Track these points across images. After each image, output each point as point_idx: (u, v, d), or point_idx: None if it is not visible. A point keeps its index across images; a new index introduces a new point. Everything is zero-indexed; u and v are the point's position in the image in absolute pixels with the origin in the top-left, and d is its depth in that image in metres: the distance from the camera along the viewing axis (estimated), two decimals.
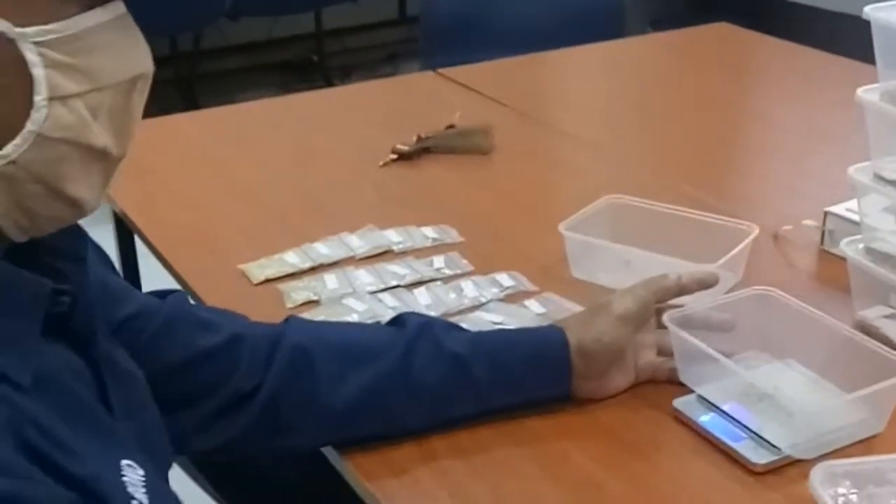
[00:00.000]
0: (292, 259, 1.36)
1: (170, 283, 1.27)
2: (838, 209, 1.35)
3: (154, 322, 0.98)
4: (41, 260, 0.73)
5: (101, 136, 0.69)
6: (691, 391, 1.07)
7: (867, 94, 1.15)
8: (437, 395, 1.02)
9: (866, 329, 1.15)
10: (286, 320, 1.07)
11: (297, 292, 1.28)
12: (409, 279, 1.31)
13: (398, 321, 1.08)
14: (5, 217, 0.68)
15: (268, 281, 1.32)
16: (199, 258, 1.38)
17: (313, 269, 1.34)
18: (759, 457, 0.98)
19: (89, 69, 0.66)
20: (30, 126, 0.65)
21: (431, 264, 1.34)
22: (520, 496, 0.97)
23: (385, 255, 1.38)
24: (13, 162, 0.65)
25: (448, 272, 1.33)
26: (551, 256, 1.34)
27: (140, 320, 0.96)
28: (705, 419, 1.04)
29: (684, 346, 1.07)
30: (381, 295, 1.28)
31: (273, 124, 1.87)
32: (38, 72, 0.64)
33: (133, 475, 0.70)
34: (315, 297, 1.27)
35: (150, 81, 0.72)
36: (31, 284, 0.69)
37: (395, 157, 1.66)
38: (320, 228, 1.43)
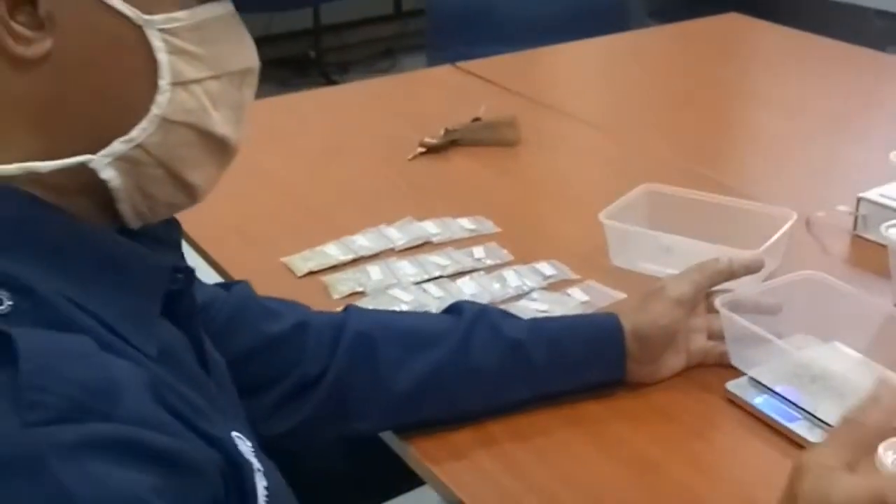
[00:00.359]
0: (333, 251, 1.38)
1: (215, 280, 1.28)
2: (871, 195, 1.38)
3: (223, 312, 1.00)
4: (146, 246, 0.75)
5: (220, 125, 0.73)
6: (743, 374, 1.09)
7: None
8: (496, 379, 1.05)
9: None
10: (346, 309, 1.09)
11: (342, 284, 1.30)
12: (451, 269, 1.33)
13: (454, 309, 1.10)
14: (126, 202, 0.71)
15: (311, 273, 1.33)
16: (240, 253, 1.40)
17: (355, 261, 1.36)
18: (815, 436, 1.00)
19: (208, 57, 0.70)
20: (155, 110, 0.69)
21: (472, 254, 1.36)
22: (582, 477, 0.99)
23: (424, 246, 1.40)
24: (139, 146, 0.69)
25: (489, 262, 1.35)
26: (588, 244, 1.35)
27: (210, 310, 0.99)
28: (759, 401, 1.06)
29: (736, 329, 1.09)
30: (425, 285, 1.29)
31: (298, 120, 1.88)
32: (163, 57, 0.68)
33: (243, 445, 0.72)
34: (360, 289, 1.29)
35: (257, 77, 0.76)
36: (154, 261, 0.73)
37: (423, 150, 1.67)
38: (357, 221, 1.45)
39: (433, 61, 2.75)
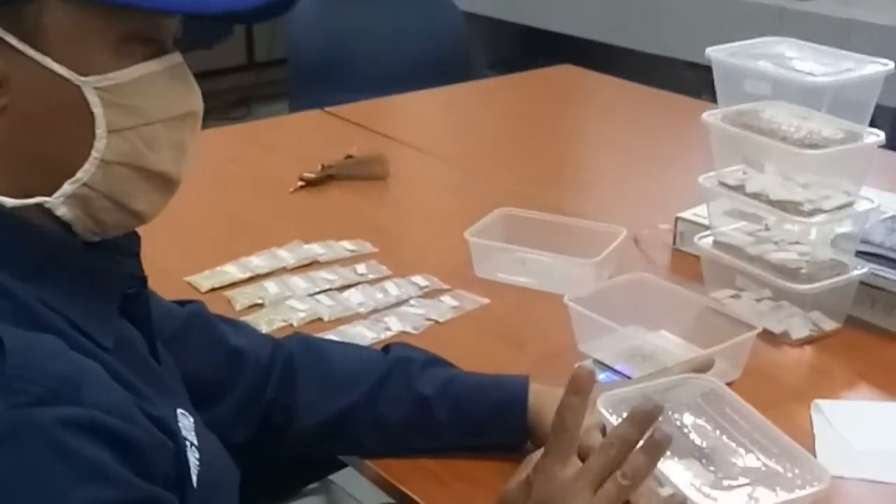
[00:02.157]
0: (232, 270, 1.56)
1: None
2: (687, 214, 1.65)
3: (175, 323, 1.12)
4: (108, 254, 0.90)
5: (156, 163, 0.85)
6: (589, 357, 1.33)
7: (710, 117, 1.45)
8: (400, 430, 1.14)
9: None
10: (290, 337, 1.22)
11: (243, 297, 1.49)
12: (338, 283, 1.53)
13: (387, 350, 1.20)
14: (80, 227, 0.85)
15: (213, 290, 1.51)
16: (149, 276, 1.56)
17: (252, 279, 1.54)
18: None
19: (141, 108, 0.83)
20: (94, 154, 0.82)
21: (355, 270, 1.57)
22: None
23: (312, 265, 1.59)
24: (85, 184, 0.82)
25: (371, 276, 1.56)
26: (454, 260, 1.58)
27: (163, 320, 1.09)
28: (602, 377, 1.30)
29: (584, 321, 1.33)
30: (318, 296, 1.49)
31: None
32: (98, 111, 0.81)
33: (185, 421, 0.89)
34: (260, 301, 1.48)
35: (200, 118, 0.88)
36: (112, 269, 0.89)
37: (303, 184, 1.88)
38: (250, 245, 1.63)
39: (295, 108, 2.94)
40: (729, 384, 1.27)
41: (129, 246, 0.93)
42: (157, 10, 0.81)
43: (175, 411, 0.89)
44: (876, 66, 1.34)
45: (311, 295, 1.50)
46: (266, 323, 1.41)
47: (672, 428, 1.06)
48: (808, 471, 0.99)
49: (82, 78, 0.80)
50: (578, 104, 2.43)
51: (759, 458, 1.01)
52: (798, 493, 0.97)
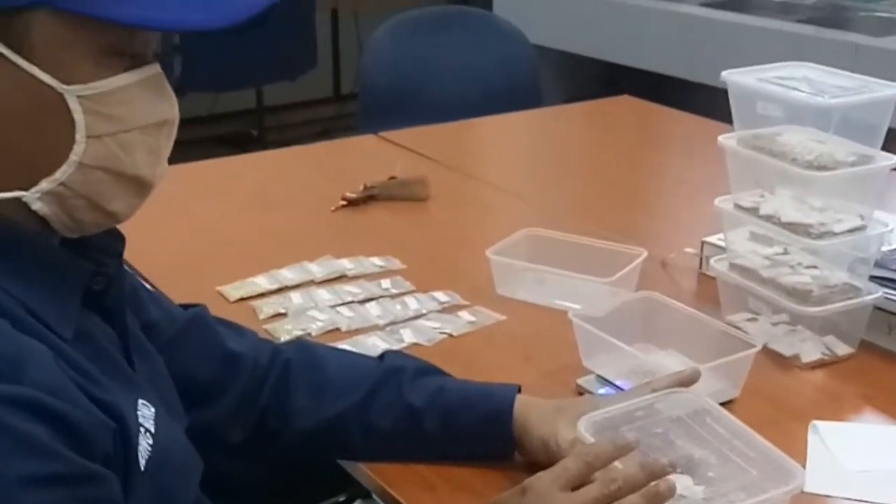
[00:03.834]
0: (262, 282, 1.62)
1: None
2: (713, 239, 1.65)
3: (176, 325, 1.18)
4: (89, 252, 0.95)
5: (132, 168, 0.89)
6: (592, 372, 1.35)
7: (726, 140, 1.46)
8: (388, 439, 1.19)
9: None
10: (291, 342, 1.29)
11: (267, 307, 1.54)
12: (361, 296, 1.58)
13: (382, 357, 1.25)
14: (56, 223, 0.90)
15: (242, 300, 1.57)
16: (181, 284, 1.62)
17: (280, 290, 1.60)
18: None
19: (121, 115, 0.87)
20: (73, 157, 0.86)
21: (380, 285, 1.61)
22: None
23: (340, 279, 1.64)
24: (62, 184, 0.87)
25: (394, 291, 1.60)
26: (479, 278, 1.61)
27: (164, 323, 1.17)
28: (602, 391, 1.31)
29: (587, 337, 1.35)
30: (339, 308, 1.54)
31: (237, 178, 2.14)
32: (79, 117, 0.85)
33: (146, 411, 0.93)
34: (283, 311, 1.53)
35: (175, 126, 0.93)
36: (77, 264, 0.93)
37: (344, 203, 1.93)
38: (283, 259, 1.69)
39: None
40: (728, 403, 1.29)
41: (110, 245, 0.98)
42: (138, 26, 0.86)
43: (136, 401, 0.92)
44: (887, 89, 1.34)
45: (332, 306, 1.54)
46: (285, 332, 1.46)
47: (656, 441, 1.08)
48: (784, 472, 1.00)
49: (66, 86, 0.84)
50: (628, 133, 2.44)
51: (738, 466, 1.03)
52: (772, 493, 0.98)
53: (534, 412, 1.16)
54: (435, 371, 1.23)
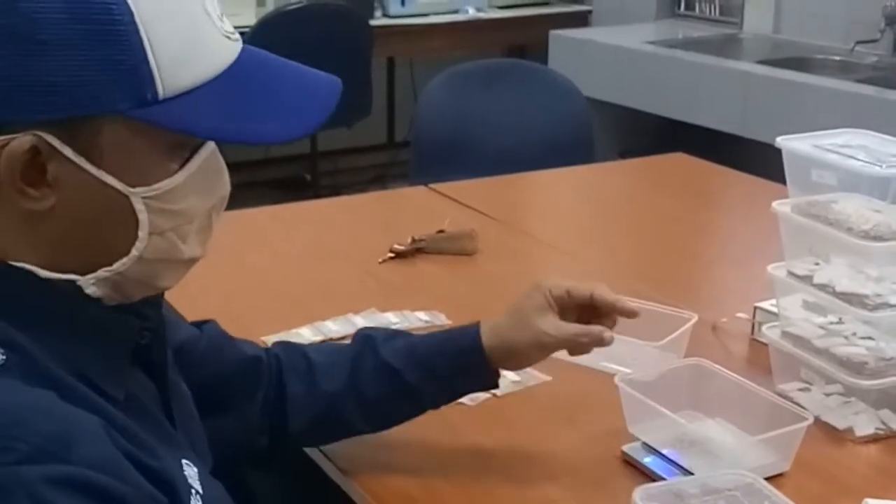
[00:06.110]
0: (306, 333, 1.61)
1: None
2: (765, 304, 1.62)
3: (201, 344, 1.22)
4: (132, 306, 0.93)
5: (188, 252, 0.90)
6: (637, 439, 1.32)
7: (780, 206, 1.43)
8: (381, 404, 1.26)
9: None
10: (274, 345, 1.33)
11: None
12: None
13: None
14: (107, 297, 0.89)
15: None
16: (230, 331, 1.63)
17: (323, 342, 1.59)
18: None
19: (181, 211, 0.88)
20: (134, 252, 0.87)
21: None
22: None
23: None
24: (120, 273, 0.88)
25: None
26: None
27: (190, 344, 1.19)
28: (648, 460, 1.28)
29: (632, 402, 1.32)
30: None
31: (285, 227, 2.14)
32: (143, 217, 0.86)
33: (190, 471, 0.93)
34: None
35: (227, 199, 0.93)
36: (123, 320, 0.92)
37: (392, 255, 1.93)
38: (329, 311, 1.69)
39: (417, 186, 3.02)
40: (778, 476, 1.25)
41: (152, 296, 0.96)
42: (210, 139, 0.88)
43: (180, 461, 0.92)
44: None
45: None
46: None
47: None
48: None
49: (131, 189, 0.85)
50: (681, 191, 2.42)
51: None
52: None
53: (503, 328, 1.25)
54: (403, 333, 1.32)
